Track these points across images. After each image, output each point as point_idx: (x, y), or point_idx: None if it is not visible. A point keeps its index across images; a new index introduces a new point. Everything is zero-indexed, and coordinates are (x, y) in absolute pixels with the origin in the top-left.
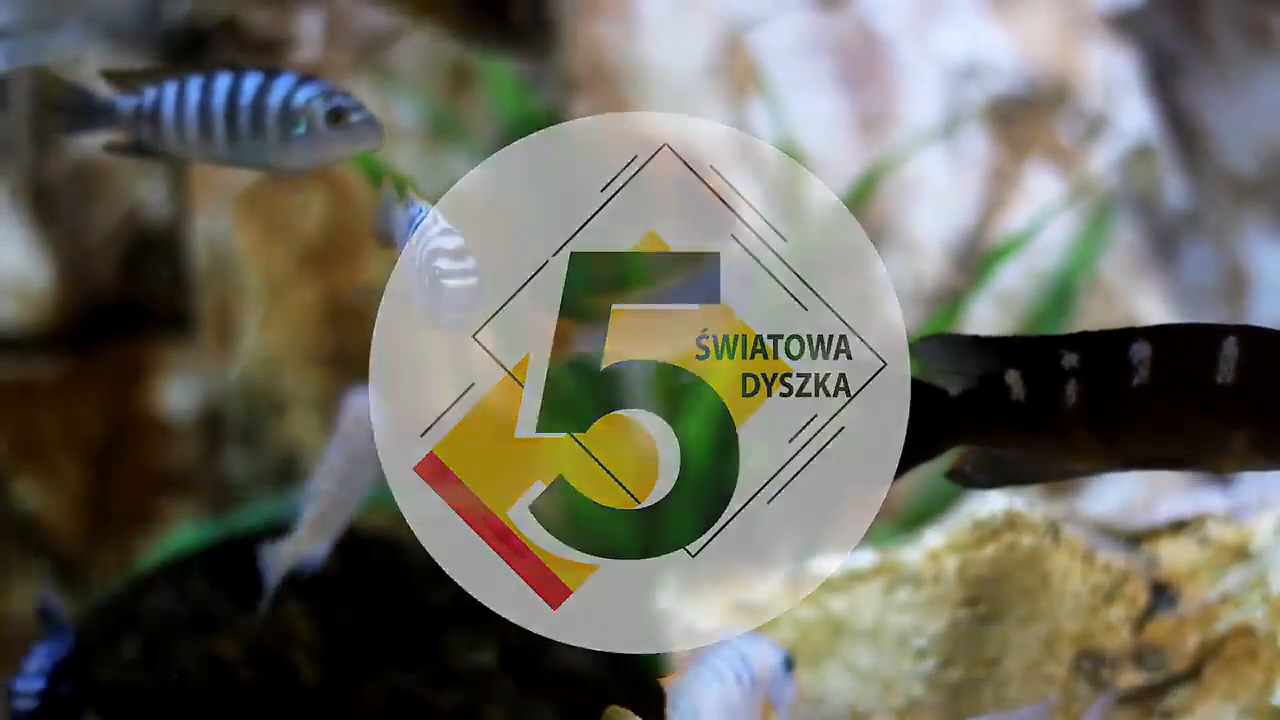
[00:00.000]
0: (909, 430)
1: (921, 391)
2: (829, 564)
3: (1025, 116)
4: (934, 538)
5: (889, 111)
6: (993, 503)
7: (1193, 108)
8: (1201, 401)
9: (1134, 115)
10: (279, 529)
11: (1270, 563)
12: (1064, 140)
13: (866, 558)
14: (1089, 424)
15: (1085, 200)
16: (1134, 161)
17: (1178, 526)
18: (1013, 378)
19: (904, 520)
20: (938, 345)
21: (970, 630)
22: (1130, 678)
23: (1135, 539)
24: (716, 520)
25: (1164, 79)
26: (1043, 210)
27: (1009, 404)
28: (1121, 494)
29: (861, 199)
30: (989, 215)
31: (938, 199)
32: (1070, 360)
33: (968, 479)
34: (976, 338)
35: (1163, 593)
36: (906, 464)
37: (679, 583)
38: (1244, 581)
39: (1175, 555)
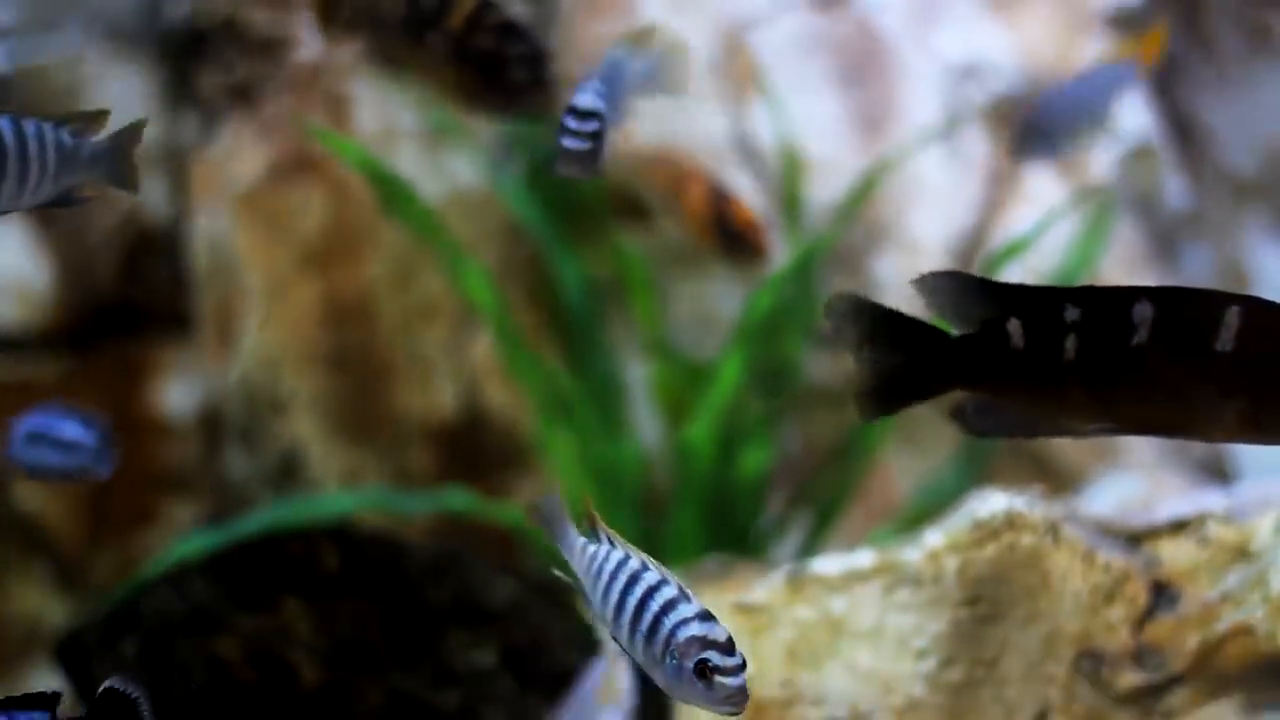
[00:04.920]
0: (906, 370)
1: (921, 332)
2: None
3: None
4: (934, 538)
5: (889, 111)
6: (993, 503)
7: (1193, 108)
8: (1198, 368)
9: (1134, 115)
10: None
11: (1270, 563)
12: None
13: (866, 558)
14: (1084, 380)
15: (1087, 202)
16: (1134, 161)
17: (1178, 526)
18: (1014, 326)
19: (904, 520)
20: (943, 282)
21: (970, 630)
22: (1130, 678)
23: (1135, 539)
24: (718, 520)
25: (1164, 79)
26: (1047, 214)
27: (1008, 352)
28: (1121, 494)
29: (861, 199)
30: (989, 215)
31: (938, 199)
32: (1072, 314)
33: (968, 423)
34: (983, 280)
35: (1163, 593)
36: (902, 403)
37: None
38: (1244, 581)
39: (1175, 555)
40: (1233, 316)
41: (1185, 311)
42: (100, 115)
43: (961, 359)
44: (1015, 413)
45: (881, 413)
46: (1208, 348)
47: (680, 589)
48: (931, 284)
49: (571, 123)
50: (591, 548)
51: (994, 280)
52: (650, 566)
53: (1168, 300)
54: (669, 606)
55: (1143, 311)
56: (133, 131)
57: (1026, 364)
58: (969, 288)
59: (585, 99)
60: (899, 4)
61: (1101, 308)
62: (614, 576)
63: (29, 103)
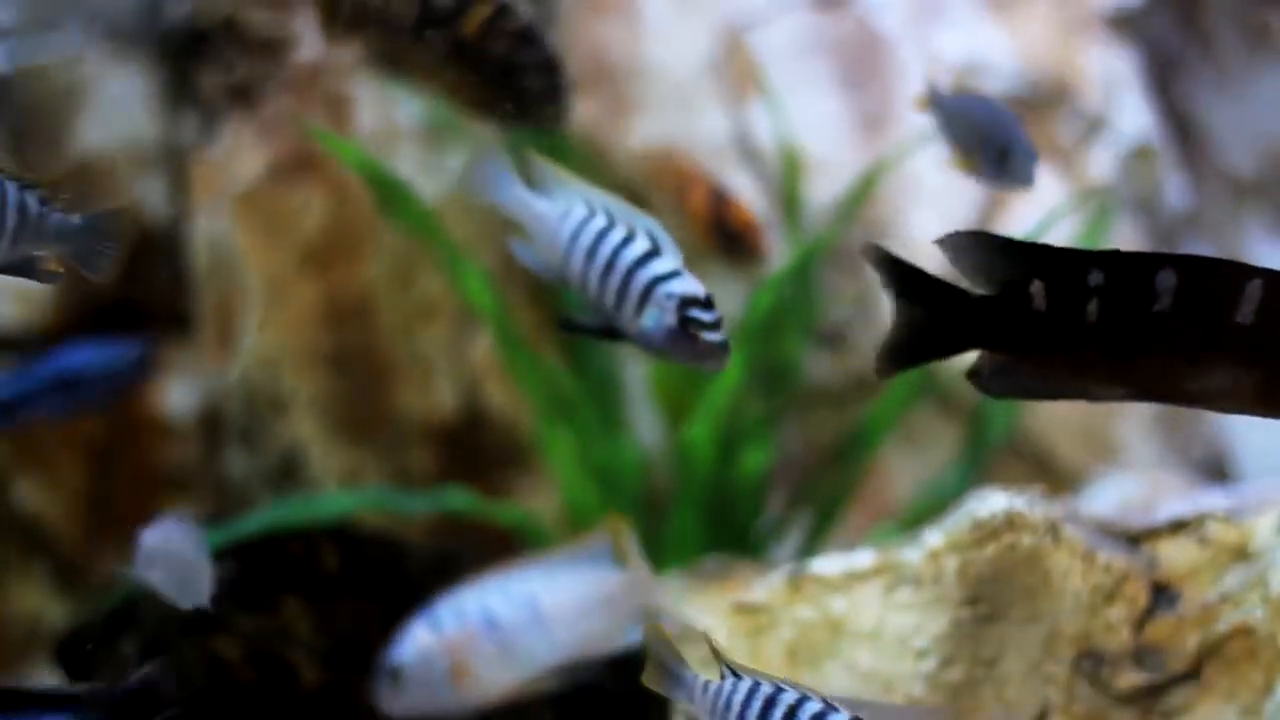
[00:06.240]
0: (926, 327)
1: (942, 290)
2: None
3: (1025, 116)
4: (934, 538)
5: (889, 111)
6: (993, 503)
7: (1193, 108)
8: (1217, 338)
9: (1134, 115)
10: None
11: (1270, 563)
12: (1064, 140)
13: (866, 558)
14: (1104, 344)
15: (1088, 202)
16: (1134, 161)
17: (1178, 526)
18: (1037, 288)
19: (904, 520)
20: (965, 242)
21: (970, 630)
22: (1130, 678)
23: (1135, 539)
24: (718, 520)
25: (1164, 79)
26: (1048, 214)
27: (1029, 314)
28: (1121, 494)
29: (861, 199)
30: (988, 215)
31: (937, 199)
32: (1096, 278)
33: (984, 383)
34: (1007, 241)
35: (1163, 593)
36: (920, 359)
37: (679, 582)
38: (1244, 581)
39: (1175, 555)
40: (1255, 289)
41: (1208, 281)
42: (86, 190)
43: (983, 319)
44: (1034, 375)
45: (899, 368)
46: (1228, 319)
47: (825, 701)
48: (956, 243)
49: (704, 315)
50: (714, 685)
51: (1019, 241)
52: (786, 686)
53: (1191, 269)
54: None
55: (1166, 279)
56: (112, 218)
57: (1048, 326)
58: (993, 247)
59: (696, 284)
60: (899, 4)
61: (1125, 273)
62: (746, 706)
63: (31, 109)
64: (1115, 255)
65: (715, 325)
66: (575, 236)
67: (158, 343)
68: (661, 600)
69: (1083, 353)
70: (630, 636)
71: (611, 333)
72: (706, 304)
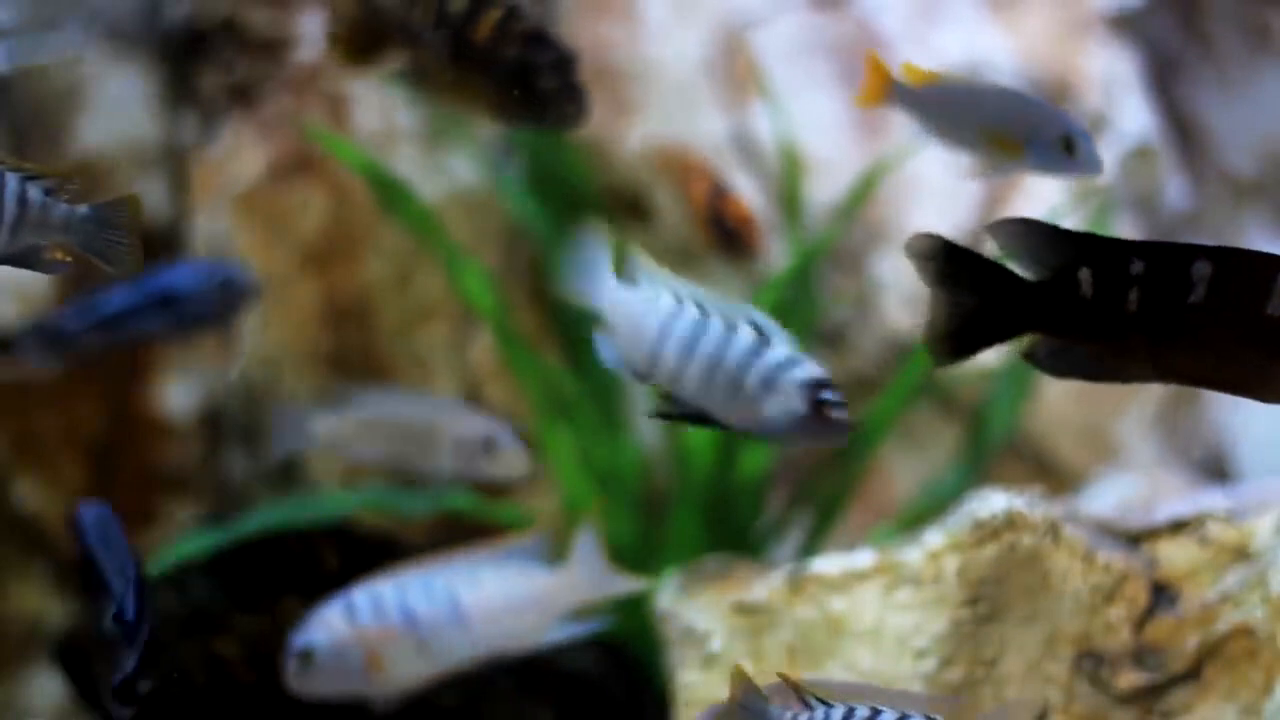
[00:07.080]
0: (981, 311)
1: (997, 275)
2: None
3: None
4: (934, 538)
5: (889, 111)
6: (993, 503)
7: (1193, 108)
8: (1248, 328)
9: (1134, 115)
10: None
11: (1270, 563)
12: None
13: (866, 558)
14: (1144, 332)
15: (1087, 201)
16: (1134, 161)
17: (1178, 526)
18: (1085, 275)
19: (904, 520)
20: (1016, 229)
21: (970, 630)
22: (1130, 678)
23: (1135, 539)
24: (718, 520)
25: (1164, 79)
26: (1048, 214)
27: (1077, 300)
28: (1121, 494)
29: (861, 199)
30: (989, 215)
31: (937, 199)
32: (1137, 267)
33: (1040, 363)
34: (1055, 229)
35: (1163, 593)
36: (976, 344)
37: (679, 582)
38: (1244, 581)
39: (1175, 555)
40: None
41: (1241, 273)
42: (74, 176)
43: (1035, 303)
44: (1087, 357)
45: (957, 356)
46: (1259, 310)
47: (927, 717)
48: (1007, 230)
49: (832, 395)
50: (806, 716)
51: (1068, 229)
52: (884, 709)
53: (1226, 260)
54: None
55: (1201, 269)
56: (119, 207)
57: (1094, 313)
58: (1042, 235)
59: (816, 366)
60: (899, 4)
61: (1163, 263)
62: None
63: (31, 109)
64: (1155, 245)
65: (843, 404)
66: (668, 331)
67: (254, 277)
68: (606, 595)
69: (1125, 339)
70: (554, 635)
71: (705, 418)
72: (831, 385)
